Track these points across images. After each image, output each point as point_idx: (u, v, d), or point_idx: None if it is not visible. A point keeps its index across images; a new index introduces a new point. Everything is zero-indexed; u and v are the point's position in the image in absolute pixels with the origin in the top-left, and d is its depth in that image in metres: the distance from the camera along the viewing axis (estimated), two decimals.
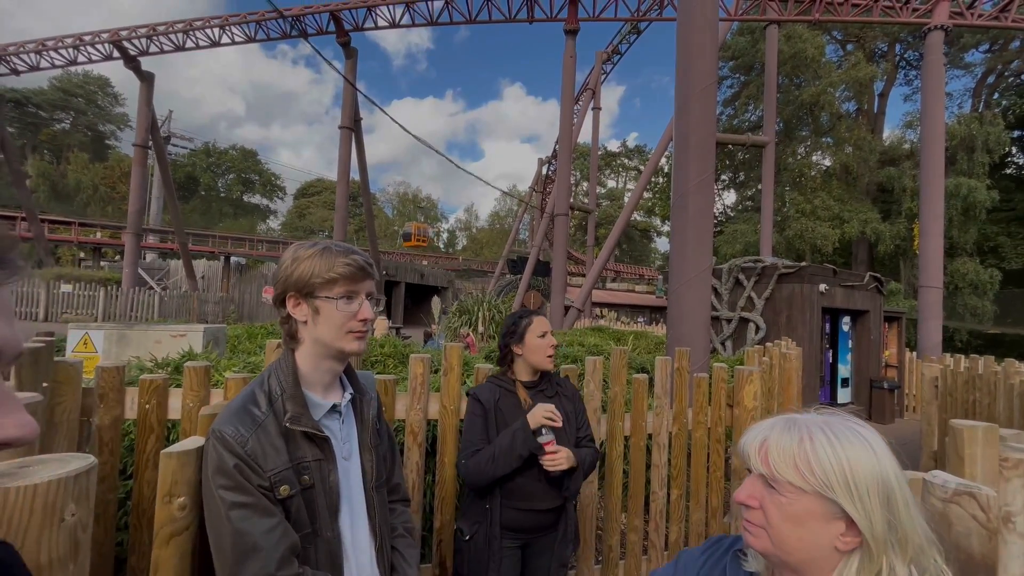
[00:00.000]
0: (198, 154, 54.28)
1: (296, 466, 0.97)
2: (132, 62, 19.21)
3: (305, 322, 1.04)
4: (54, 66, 20.47)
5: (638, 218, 58.95)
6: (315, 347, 1.05)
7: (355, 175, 19.97)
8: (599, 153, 35.06)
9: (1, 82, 23.21)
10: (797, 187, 29.03)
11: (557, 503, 1.73)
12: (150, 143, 19.46)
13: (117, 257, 28.10)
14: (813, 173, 29.77)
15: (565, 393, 1.86)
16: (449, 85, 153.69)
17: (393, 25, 18.28)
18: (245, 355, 3.34)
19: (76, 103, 48.30)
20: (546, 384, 1.84)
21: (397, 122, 11.76)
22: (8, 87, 33.46)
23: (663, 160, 22.26)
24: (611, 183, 66.50)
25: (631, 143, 76.07)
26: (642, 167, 55.91)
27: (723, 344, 8.47)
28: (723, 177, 34.35)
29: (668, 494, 2.65)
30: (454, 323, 10.44)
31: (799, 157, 30.11)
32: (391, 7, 17.72)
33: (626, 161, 65.51)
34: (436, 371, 3.41)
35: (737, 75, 32.31)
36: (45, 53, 19.63)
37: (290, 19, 18.44)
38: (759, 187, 21.76)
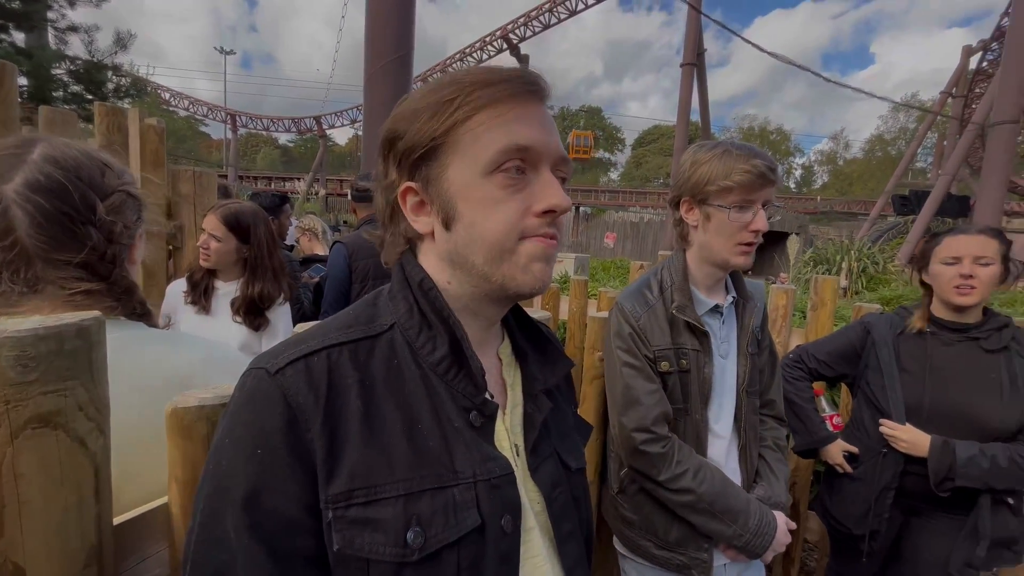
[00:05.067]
0: (556, 119, 63.42)
1: (677, 349, 1.09)
2: (515, 49, 23.81)
3: (695, 227, 1.10)
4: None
5: None
6: (701, 251, 1.11)
7: (697, 117, 19.09)
8: None
9: None
10: None
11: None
12: None
13: None
14: None
15: (1023, 353, 1.34)
16: None
17: None
18: (602, 282, 3.91)
19: None
20: (989, 333, 1.36)
21: (751, 42, 10.41)
22: None
23: None
24: None
25: None
26: None
27: None
28: None
29: None
30: (804, 273, 8.94)
31: None
32: None
33: None
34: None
35: None
36: (464, 60, 26.64)
37: None
38: None
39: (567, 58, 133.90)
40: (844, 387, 1.87)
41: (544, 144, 0.49)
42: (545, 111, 0.52)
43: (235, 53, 44.22)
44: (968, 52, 23.38)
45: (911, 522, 1.44)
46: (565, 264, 4.19)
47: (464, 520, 0.46)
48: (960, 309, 1.37)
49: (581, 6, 21.99)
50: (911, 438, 1.37)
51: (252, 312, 1.52)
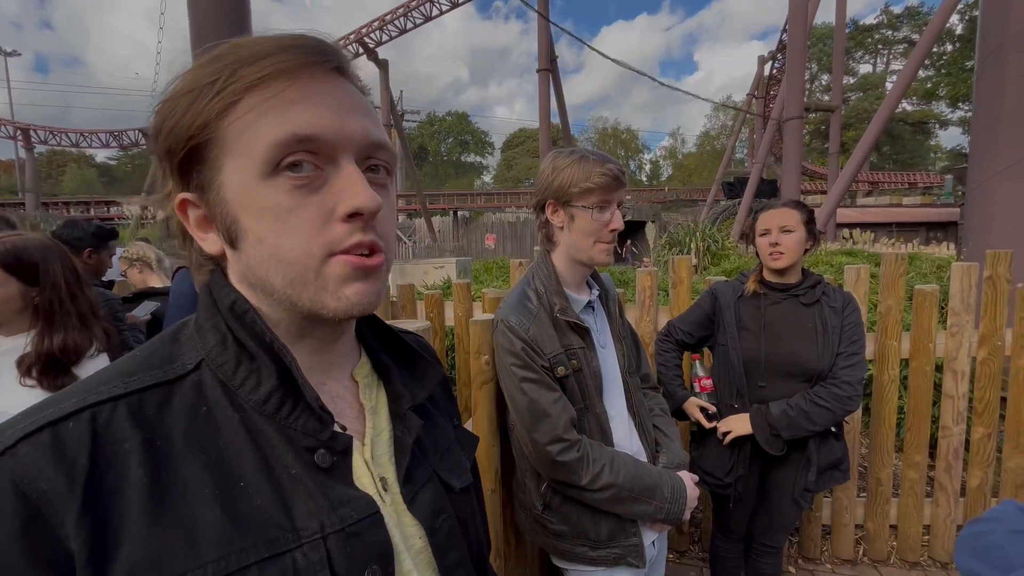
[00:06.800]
0: (424, 125, 62.96)
1: (567, 351, 1.11)
2: (372, 54, 22.97)
3: (561, 227, 1.14)
4: None
5: (908, 107, 44.97)
6: (568, 251, 1.15)
7: (558, 119, 20.27)
8: (847, 32, 27.27)
9: None
10: None
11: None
12: (391, 122, 23.38)
13: None
14: None
15: (831, 304, 1.58)
16: None
17: None
18: (485, 284, 3.92)
19: None
20: (806, 290, 1.59)
21: (597, 50, 11.34)
22: None
23: (954, 18, 15.97)
24: (865, 68, 51.84)
25: (899, 7, 57.24)
26: (917, 36, 41.46)
27: None
28: None
29: (968, 432, 2.14)
30: (663, 256, 10.03)
31: None
32: None
33: (890, 34, 49.82)
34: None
35: None
36: None
37: None
38: None
39: (432, 64, 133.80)
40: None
41: (338, 129, 0.39)
42: (343, 87, 0.41)
43: (20, 55, 36.36)
44: (762, 61, 28.30)
45: (770, 465, 1.65)
46: (447, 269, 4.14)
47: None
48: (779, 272, 1.60)
49: (436, 11, 22.02)
50: (735, 425, 1.58)
51: (51, 371, 1.19)
